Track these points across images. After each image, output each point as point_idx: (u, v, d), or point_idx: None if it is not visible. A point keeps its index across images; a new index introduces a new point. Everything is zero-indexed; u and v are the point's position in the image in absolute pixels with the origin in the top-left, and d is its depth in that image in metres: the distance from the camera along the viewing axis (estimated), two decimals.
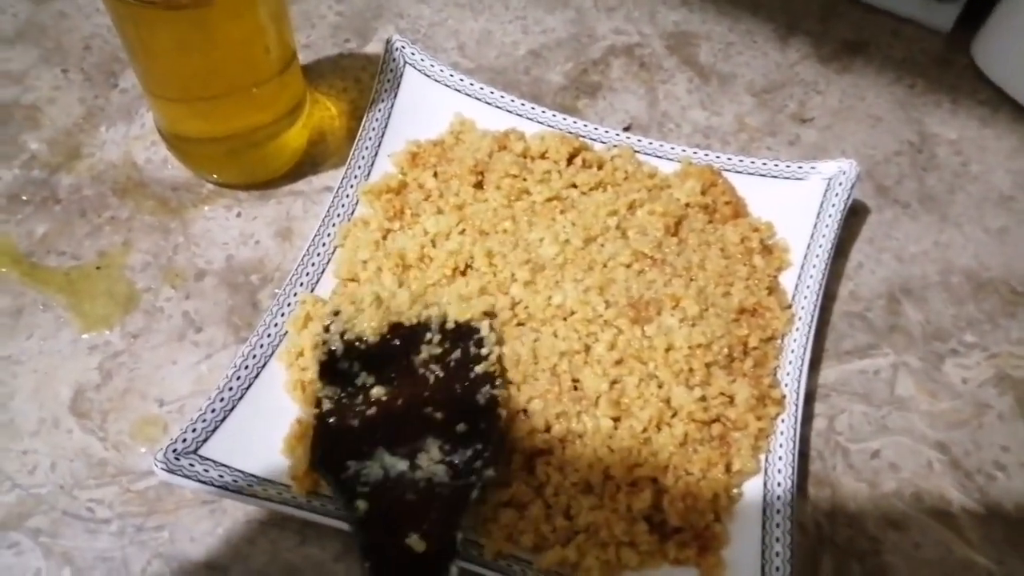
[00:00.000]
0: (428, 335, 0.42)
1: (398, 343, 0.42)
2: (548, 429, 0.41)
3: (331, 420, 0.39)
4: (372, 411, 0.40)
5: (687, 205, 0.50)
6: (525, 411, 0.42)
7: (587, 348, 0.43)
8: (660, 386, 0.43)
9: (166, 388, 0.45)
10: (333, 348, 0.42)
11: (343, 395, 0.40)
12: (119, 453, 0.43)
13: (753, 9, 0.65)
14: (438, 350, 0.42)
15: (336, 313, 0.43)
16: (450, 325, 0.43)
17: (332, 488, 0.38)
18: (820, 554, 0.42)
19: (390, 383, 0.40)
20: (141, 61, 0.46)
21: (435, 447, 0.38)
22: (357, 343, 0.42)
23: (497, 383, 0.41)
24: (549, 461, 0.41)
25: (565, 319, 0.44)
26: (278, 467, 0.40)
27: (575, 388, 0.43)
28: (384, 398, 0.40)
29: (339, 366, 0.41)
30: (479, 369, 0.41)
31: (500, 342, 0.43)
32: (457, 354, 0.42)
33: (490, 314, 0.44)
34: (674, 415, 0.42)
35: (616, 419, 0.42)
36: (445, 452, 0.38)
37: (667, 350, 0.43)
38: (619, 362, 0.43)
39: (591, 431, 0.41)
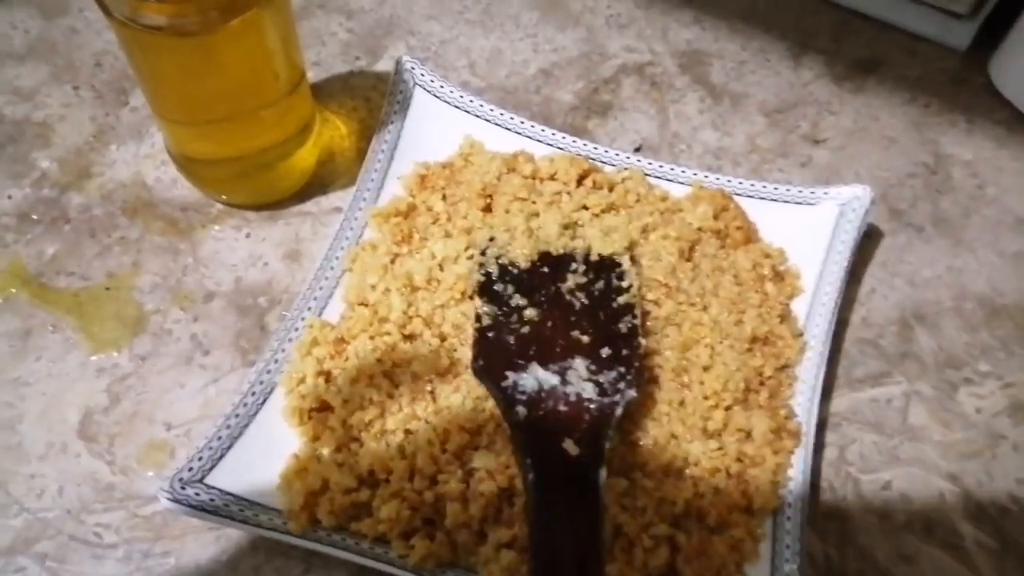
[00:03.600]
0: (574, 265, 0.46)
1: (547, 270, 0.45)
2: None
3: (490, 334, 0.43)
4: (525, 330, 0.43)
5: (699, 230, 0.49)
6: None
7: None
8: (674, 437, 0.42)
9: (173, 412, 0.45)
10: (489, 270, 0.45)
11: (499, 313, 0.44)
12: (126, 477, 0.43)
13: (766, 27, 0.64)
14: (583, 280, 0.45)
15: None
16: (594, 257, 0.46)
17: (492, 393, 0.41)
18: None
19: (540, 306, 0.44)
20: (148, 85, 0.46)
21: (583, 367, 0.41)
22: (510, 267, 0.45)
23: (636, 314, 0.44)
24: None
25: None
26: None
27: None
28: (535, 319, 0.43)
29: (495, 287, 0.45)
30: (621, 300, 0.44)
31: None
32: (600, 284, 0.45)
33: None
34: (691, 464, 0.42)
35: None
36: (592, 372, 0.41)
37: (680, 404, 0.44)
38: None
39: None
